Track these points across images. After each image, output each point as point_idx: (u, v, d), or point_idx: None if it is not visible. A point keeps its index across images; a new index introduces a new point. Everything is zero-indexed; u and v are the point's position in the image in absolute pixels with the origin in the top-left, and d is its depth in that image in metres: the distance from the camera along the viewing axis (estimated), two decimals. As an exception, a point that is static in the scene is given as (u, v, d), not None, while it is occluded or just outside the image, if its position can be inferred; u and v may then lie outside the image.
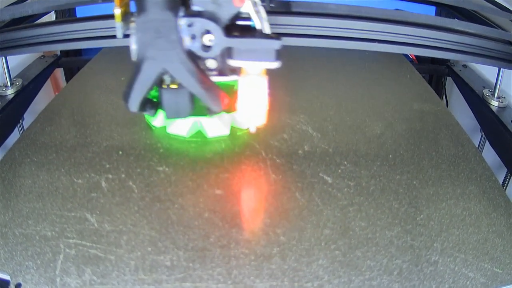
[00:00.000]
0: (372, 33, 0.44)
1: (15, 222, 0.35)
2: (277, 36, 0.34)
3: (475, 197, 0.39)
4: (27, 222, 0.35)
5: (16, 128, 0.69)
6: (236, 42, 0.34)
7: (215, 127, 0.46)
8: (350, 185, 0.40)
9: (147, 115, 0.49)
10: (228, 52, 0.35)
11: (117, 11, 0.33)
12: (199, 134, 0.46)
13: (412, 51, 0.47)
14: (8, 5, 0.52)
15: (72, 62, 0.88)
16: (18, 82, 0.68)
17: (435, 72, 0.87)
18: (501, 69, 0.65)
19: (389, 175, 0.41)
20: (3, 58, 0.65)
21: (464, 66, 0.82)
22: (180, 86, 0.35)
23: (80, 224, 0.35)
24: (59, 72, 0.91)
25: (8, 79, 0.66)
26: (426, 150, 0.46)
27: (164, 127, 0.47)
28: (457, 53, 0.47)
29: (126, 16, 0.34)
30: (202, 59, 0.35)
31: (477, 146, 0.73)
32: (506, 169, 0.63)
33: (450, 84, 0.86)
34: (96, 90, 0.59)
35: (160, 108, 0.37)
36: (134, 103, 0.35)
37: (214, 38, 0.33)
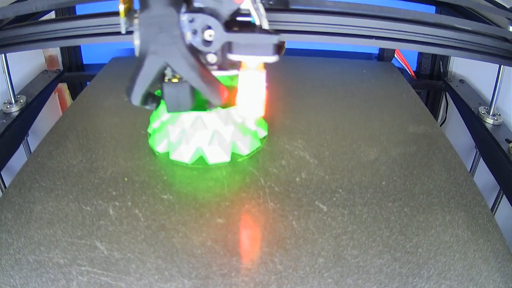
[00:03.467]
0: (370, 29, 0.45)
1: (28, 249, 0.37)
2: (275, 31, 0.35)
3: (464, 223, 0.41)
4: (40, 248, 0.37)
5: (21, 145, 0.71)
6: (236, 37, 0.35)
7: (216, 154, 0.47)
8: (344, 213, 0.42)
9: (151, 142, 0.51)
10: (228, 47, 0.36)
11: (121, 7, 0.34)
12: (201, 160, 0.48)
13: (410, 48, 0.48)
14: (12, 3, 0.53)
15: (75, 77, 0.89)
16: (22, 99, 0.69)
17: (433, 88, 0.88)
18: (498, 85, 0.66)
19: (381, 202, 0.43)
20: (7, 74, 0.66)
21: (461, 81, 0.83)
22: (180, 80, 0.36)
23: (91, 252, 0.37)
24: (62, 86, 0.93)
25: (12, 96, 0.67)
26: (419, 175, 0.48)
27: (167, 153, 0.49)
28: (455, 50, 0.47)
29: (130, 12, 0.35)
30: (203, 53, 0.36)
31: (472, 162, 0.75)
32: (499, 187, 0.65)
33: (449, 99, 0.87)
34: (100, 111, 0.60)
35: (161, 101, 0.38)
36: (136, 97, 0.36)
37: (215, 33, 0.35)
